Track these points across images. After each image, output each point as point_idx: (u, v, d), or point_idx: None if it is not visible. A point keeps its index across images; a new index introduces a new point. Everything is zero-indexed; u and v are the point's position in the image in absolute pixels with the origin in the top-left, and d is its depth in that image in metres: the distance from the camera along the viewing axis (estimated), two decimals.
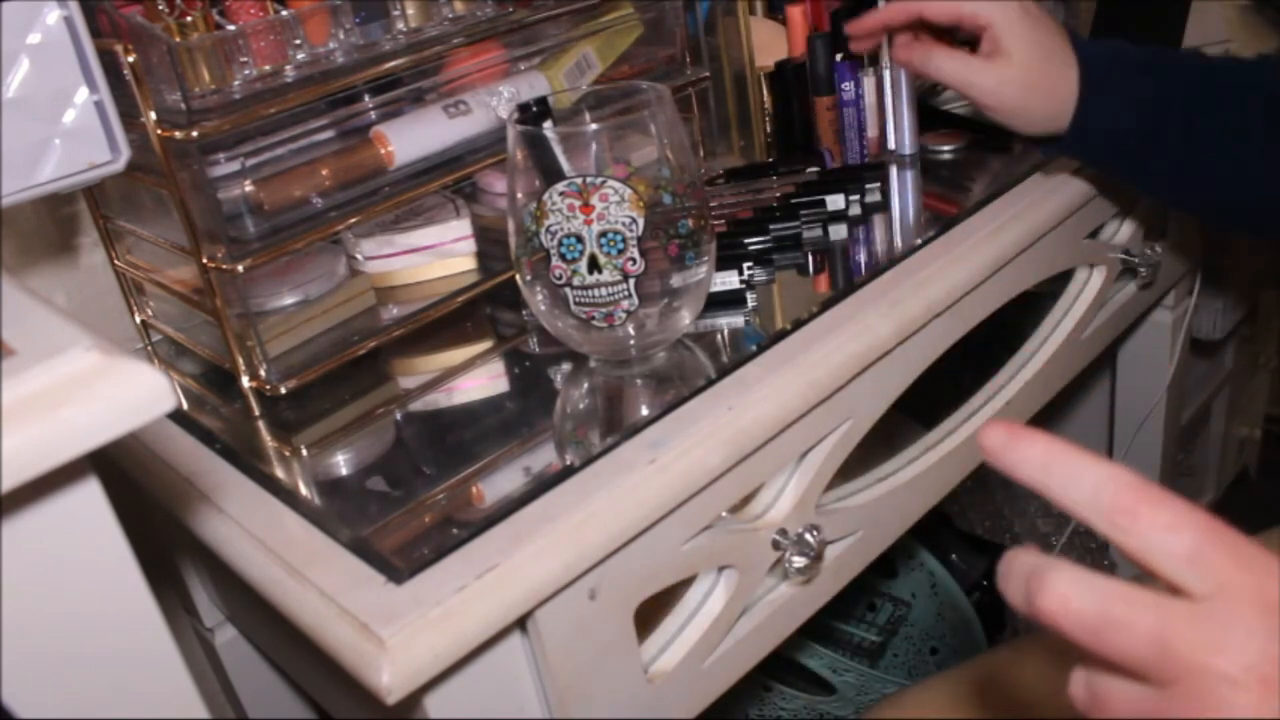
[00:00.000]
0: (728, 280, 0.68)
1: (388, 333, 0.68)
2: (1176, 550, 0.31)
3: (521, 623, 0.49)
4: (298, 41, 0.63)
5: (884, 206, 0.79)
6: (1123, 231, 0.88)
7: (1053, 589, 0.31)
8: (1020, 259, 0.73)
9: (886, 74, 0.83)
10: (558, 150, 0.56)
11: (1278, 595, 0.30)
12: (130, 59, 0.56)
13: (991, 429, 0.34)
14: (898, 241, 0.74)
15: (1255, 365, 1.38)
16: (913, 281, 0.66)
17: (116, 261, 0.72)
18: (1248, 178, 0.68)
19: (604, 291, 0.57)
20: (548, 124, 0.58)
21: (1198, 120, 0.66)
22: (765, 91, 0.88)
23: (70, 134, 0.48)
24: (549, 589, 0.48)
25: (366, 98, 0.68)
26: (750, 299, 0.68)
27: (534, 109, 0.59)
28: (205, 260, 0.60)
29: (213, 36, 0.60)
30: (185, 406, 0.66)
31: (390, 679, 0.43)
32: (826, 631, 1.06)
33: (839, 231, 0.76)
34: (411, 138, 0.68)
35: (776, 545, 0.61)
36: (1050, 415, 1.26)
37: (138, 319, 0.74)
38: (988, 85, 0.66)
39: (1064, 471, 0.33)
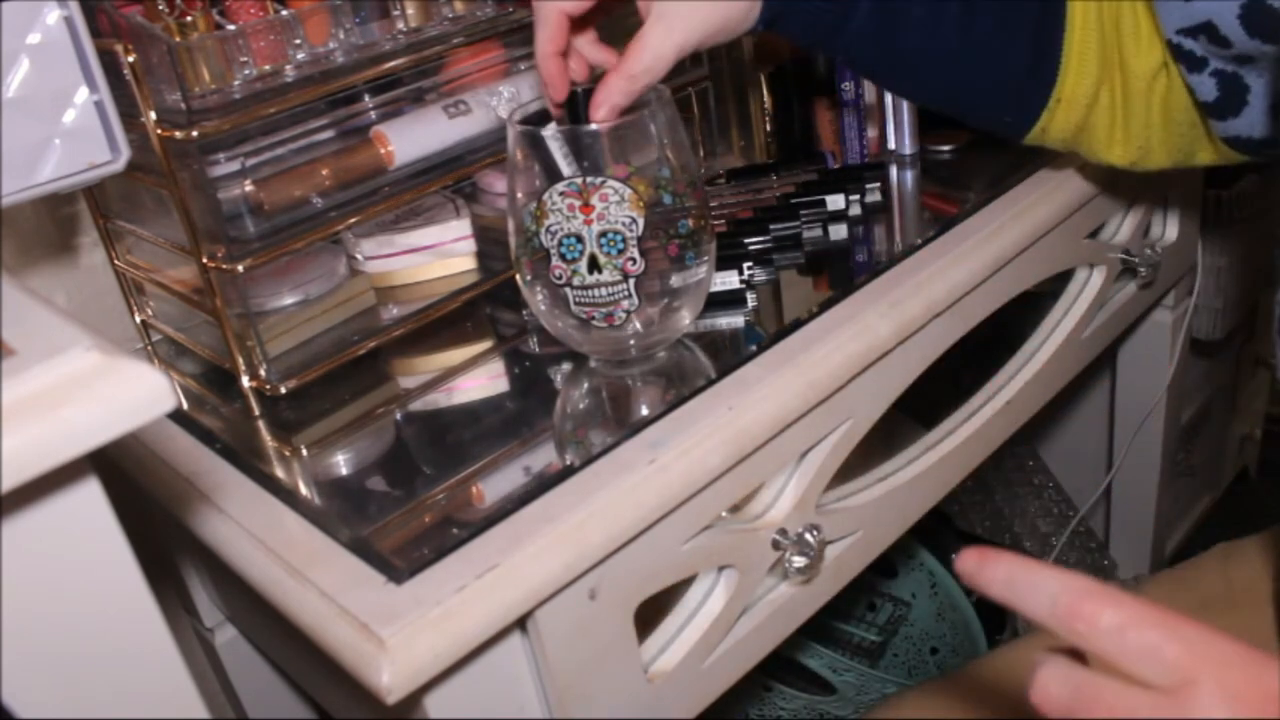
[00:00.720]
0: (728, 280, 0.68)
1: (388, 333, 0.68)
2: (1131, 649, 0.33)
3: (521, 623, 0.49)
4: (298, 41, 0.63)
5: (884, 206, 0.79)
6: (1123, 231, 0.88)
7: (1037, 678, 0.34)
8: (1020, 259, 0.73)
9: None
10: (558, 150, 0.56)
11: (1237, 683, 0.32)
12: (130, 59, 0.56)
13: (965, 556, 0.37)
14: (898, 241, 0.74)
15: (1255, 365, 1.38)
16: (913, 281, 0.66)
17: (116, 261, 0.72)
18: (944, 56, 0.63)
19: (604, 291, 0.57)
20: (548, 124, 0.58)
21: None
22: (765, 91, 0.88)
23: (70, 134, 0.48)
24: (549, 589, 0.48)
25: (366, 98, 0.68)
26: (750, 299, 0.68)
27: (534, 109, 0.59)
28: (205, 260, 0.60)
29: (213, 36, 0.60)
30: (185, 406, 0.66)
31: (390, 679, 0.43)
32: (826, 631, 1.06)
33: (839, 231, 0.76)
34: (411, 138, 0.68)
35: (776, 545, 0.61)
36: (1050, 415, 1.25)
37: (138, 319, 0.74)
38: (673, 44, 0.56)
39: (1024, 585, 0.35)
